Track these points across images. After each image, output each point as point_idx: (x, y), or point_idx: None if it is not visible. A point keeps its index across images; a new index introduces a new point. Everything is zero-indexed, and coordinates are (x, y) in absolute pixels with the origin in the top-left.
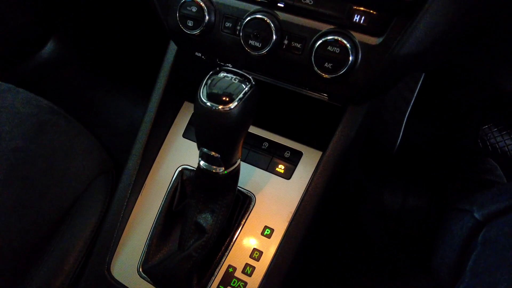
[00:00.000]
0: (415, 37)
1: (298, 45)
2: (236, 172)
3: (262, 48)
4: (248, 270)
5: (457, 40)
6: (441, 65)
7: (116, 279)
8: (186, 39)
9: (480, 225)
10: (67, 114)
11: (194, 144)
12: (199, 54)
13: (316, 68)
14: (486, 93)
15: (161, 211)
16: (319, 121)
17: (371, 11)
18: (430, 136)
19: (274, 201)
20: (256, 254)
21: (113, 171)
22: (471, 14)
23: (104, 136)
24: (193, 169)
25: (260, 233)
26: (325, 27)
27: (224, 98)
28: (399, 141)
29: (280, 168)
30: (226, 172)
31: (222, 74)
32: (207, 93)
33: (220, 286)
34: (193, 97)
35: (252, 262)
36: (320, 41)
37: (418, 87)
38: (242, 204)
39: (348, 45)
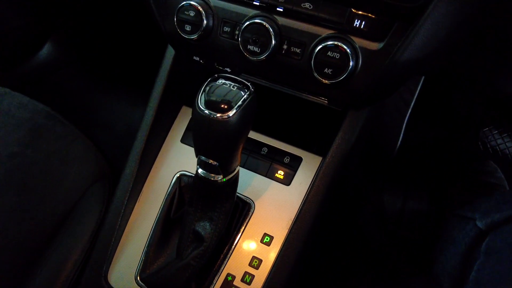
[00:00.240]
0: (416, 43)
1: (298, 50)
2: (235, 179)
3: (261, 53)
4: (247, 278)
5: (459, 45)
6: (441, 68)
7: None
8: (184, 43)
9: (483, 234)
10: (63, 119)
11: (192, 150)
12: (197, 59)
13: (315, 74)
14: (486, 95)
15: (158, 218)
16: (319, 126)
17: (372, 16)
18: (430, 138)
19: (273, 208)
20: (256, 262)
21: (110, 177)
22: (473, 19)
23: (102, 139)
24: (191, 175)
25: (259, 240)
26: (325, 32)
27: (222, 106)
28: (399, 143)
29: (280, 173)
30: (224, 180)
31: (220, 81)
32: (205, 100)
33: None
34: (191, 102)
35: (251, 270)
36: (320, 46)
37: (418, 89)
38: (241, 211)
39: (348, 50)
